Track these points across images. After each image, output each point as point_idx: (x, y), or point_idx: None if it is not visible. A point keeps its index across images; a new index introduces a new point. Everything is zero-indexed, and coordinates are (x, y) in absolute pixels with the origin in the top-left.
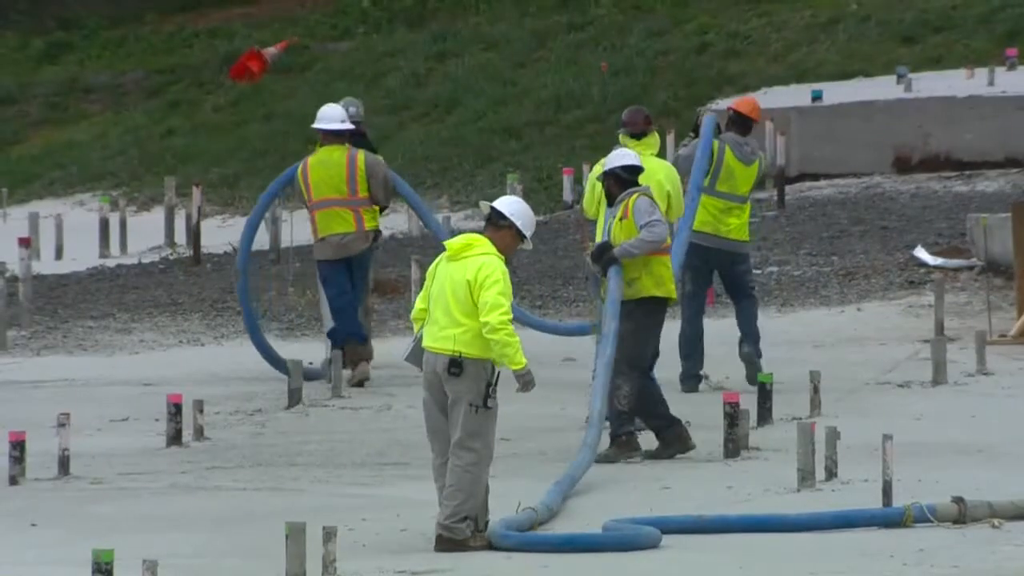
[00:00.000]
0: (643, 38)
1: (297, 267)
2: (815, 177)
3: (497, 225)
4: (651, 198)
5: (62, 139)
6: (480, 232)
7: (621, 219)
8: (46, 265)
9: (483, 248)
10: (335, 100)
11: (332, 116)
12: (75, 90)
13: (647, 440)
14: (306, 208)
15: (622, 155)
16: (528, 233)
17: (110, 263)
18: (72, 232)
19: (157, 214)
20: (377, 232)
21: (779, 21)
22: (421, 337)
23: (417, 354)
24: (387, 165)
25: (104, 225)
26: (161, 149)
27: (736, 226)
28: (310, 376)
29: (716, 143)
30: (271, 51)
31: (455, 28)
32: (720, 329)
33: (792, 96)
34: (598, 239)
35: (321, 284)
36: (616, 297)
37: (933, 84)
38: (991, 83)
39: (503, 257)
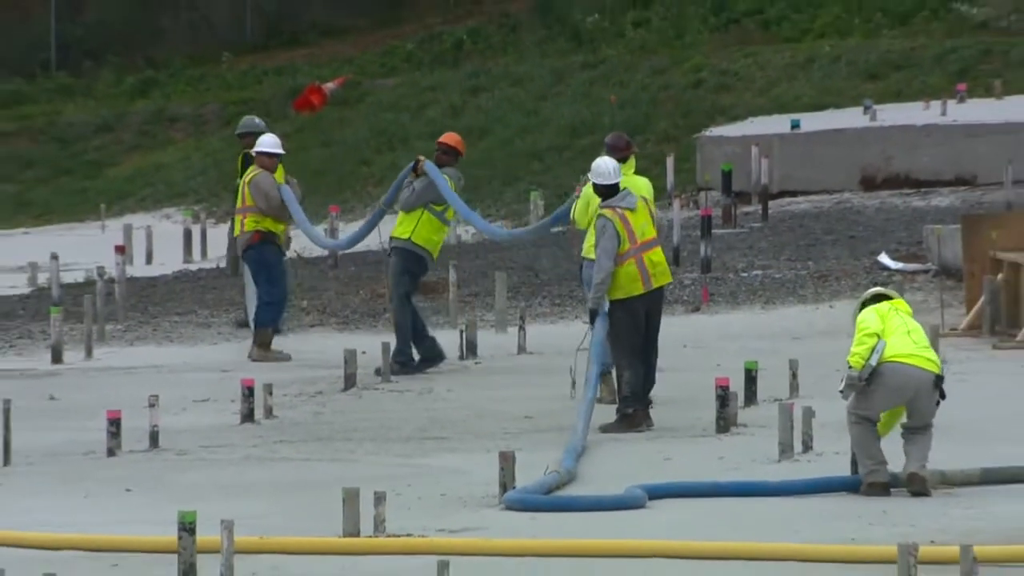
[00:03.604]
0: (647, 75)
1: (352, 271)
2: (794, 194)
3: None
4: (611, 219)
5: (151, 162)
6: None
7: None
8: (138, 269)
9: None
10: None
11: (264, 142)
12: (162, 120)
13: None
14: None
15: (605, 173)
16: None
17: (192, 267)
18: (160, 241)
19: None
20: (259, 233)
21: (763, 60)
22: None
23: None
24: (274, 184)
25: (187, 235)
26: (236, 170)
27: (438, 241)
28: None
29: (447, 179)
30: (330, 86)
31: (486, 67)
32: (716, 324)
33: (774, 125)
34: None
35: None
36: (601, 340)
37: (895, 114)
38: (944, 113)
39: None
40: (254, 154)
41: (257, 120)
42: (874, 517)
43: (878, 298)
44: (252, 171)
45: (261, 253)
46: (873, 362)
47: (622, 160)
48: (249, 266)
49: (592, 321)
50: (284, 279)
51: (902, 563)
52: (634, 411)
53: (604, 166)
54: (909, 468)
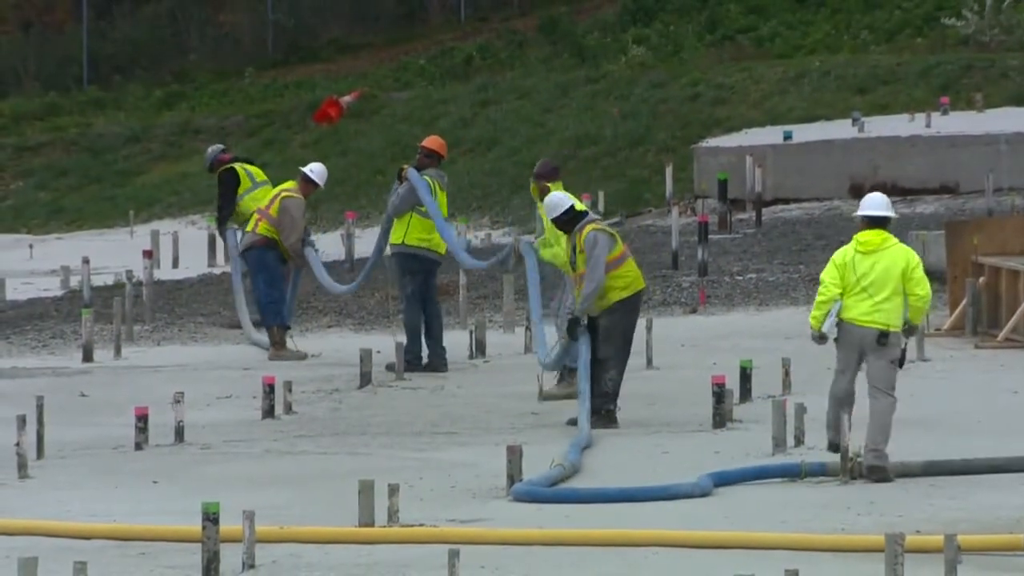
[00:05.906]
0: (647, 89)
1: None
2: (786, 201)
3: (884, 225)
4: (602, 229)
5: (177, 171)
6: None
7: (580, 251)
8: (165, 272)
9: (893, 240)
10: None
11: (315, 169)
12: (188, 131)
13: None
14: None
15: (557, 205)
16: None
17: (216, 271)
18: (186, 246)
19: None
20: (266, 238)
21: (757, 75)
22: (838, 312)
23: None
24: (303, 215)
25: (211, 240)
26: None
27: (438, 239)
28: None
29: (429, 180)
30: (346, 99)
31: (495, 81)
32: (713, 324)
33: (767, 136)
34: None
35: None
36: (586, 361)
37: (881, 126)
38: (928, 125)
39: None
40: (302, 171)
41: (211, 149)
42: (862, 507)
43: (874, 221)
44: (291, 192)
45: (263, 256)
46: (825, 328)
47: (552, 183)
48: (248, 266)
49: (571, 333)
50: (282, 282)
51: (889, 551)
52: (606, 410)
53: (558, 198)
54: (867, 460)
